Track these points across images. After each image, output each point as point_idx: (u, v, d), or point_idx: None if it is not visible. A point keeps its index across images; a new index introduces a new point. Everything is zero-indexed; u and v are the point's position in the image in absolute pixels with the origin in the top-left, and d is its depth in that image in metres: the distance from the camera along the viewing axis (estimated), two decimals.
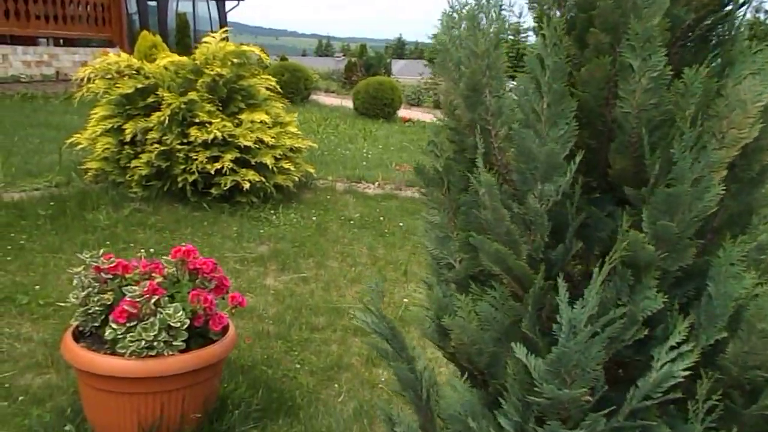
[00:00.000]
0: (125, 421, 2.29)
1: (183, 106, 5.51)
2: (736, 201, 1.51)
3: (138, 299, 2.23)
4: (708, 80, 1.39)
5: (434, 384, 1.95)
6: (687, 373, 1.35)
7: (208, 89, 5.72)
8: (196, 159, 5.46)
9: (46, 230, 4.71)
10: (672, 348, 1.38)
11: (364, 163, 8.27)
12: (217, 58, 5.86)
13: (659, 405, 1.41)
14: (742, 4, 1.51)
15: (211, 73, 5.69)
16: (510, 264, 1.54)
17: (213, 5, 24.23)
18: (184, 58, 6.05)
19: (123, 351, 2.21)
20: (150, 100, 5.64)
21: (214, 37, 6.08)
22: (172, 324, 2.22)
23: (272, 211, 5.66)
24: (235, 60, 5.88)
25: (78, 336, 2.42)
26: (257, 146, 5.68)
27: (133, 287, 2.29)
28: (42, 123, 8.63)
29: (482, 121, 1.71)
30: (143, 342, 2.19)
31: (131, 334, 2.21)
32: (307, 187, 6.55)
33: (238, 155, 5.58)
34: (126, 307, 2.22)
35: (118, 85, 5.67)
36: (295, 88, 13.91)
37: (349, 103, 15.18)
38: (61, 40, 13.83)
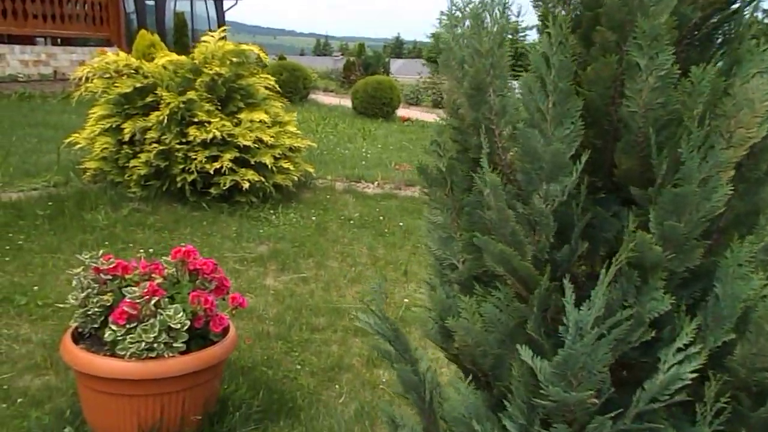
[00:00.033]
0: (125, 424, 2.27)
1: (182, 105, 5.49)
2: (743, 201, 1.49)
3: (138, 300, 2.21)
4: (715, 79, 1.38)
5: (437, 385, 1.93)
6: (694, 375, 1.34)
7: (207, 88, 5.70)
8: (195, 159, 5.44)
9: (44, 230, 4.69)
10: (679, 350, 1.37)
11: (364, 162, 8.25)
12: (215, 57, 5.84)
13: (666, 407, 1.39)
14: (750, 2, 1.50)
15: (210, 72, 5.66)
16: (515, 265, 1.52)
17: (211, 4, 24.19)
18: (183, 58, 6.03)
19: (123, 353, 2.19)
20: (149, 99, 5.62)
21: (212, 36, 6.06)
22: (173, 325, 2.20)
23: (272, 211, 5.64)
24: (234, 59, 5.86)
25: (77, 337, 2.40)
26: (256, 146, 5.66)
27: (133, 288, 2.27)
28: (40, 122, 8.60)
29: (486, 121, 1.69)
30: (143, 343, 2.17)
31: (131, 335, 2.19)
32: (307, 186, 6.53)
33: (238, 155, 5.56)
34: (126, 309, 2.20)
35: (116, 85, 5.64)
36: (293, 87, 13.89)
37: (347, 103, 15.15)
38: (59, 40, 13.79)
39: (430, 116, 15.52)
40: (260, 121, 5.76)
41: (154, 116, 5.50)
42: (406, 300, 4.01)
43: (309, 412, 2.74)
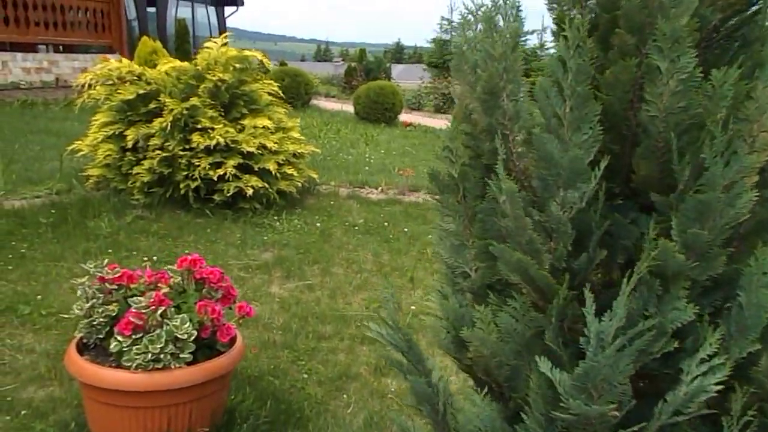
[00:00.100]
0: None
1: (185, 111, 5.46)
2: (764, 207, 1.45)
3: (144, 311, 2.18)
4: (738, 82, 1.35)
5: (449, 395, 1.89)
6: (719, 387, 1.30)
7: (210, 95, 5.67)
8: (199, 165, 5.41)
9: (47, 238, 4.66)
10: (702, 361, 1.33)
11: (367, 168, 8.22)
12: (218, 63, 5.82)
13: (689, 420, 1.35)
14: None
15: (213, 78, 5.64)
16: (532, 274, 1.48)
17: (212, 11, 24.25)
18: (186, 64, 6.01)
19: (129, 364, 2.16)
20: (152, 106, 5.60)
21: (215, 42, 6.04)
22: (179, 336, 2.16)
23: (276, 218, 5.60)
24: (237, 65, 5.84)
25: (82, 348, 2.36)
26: (260, 152, 5.63)
27: (139, 298, 2.24)
28: (42, 130, 8.58)
29: (500, 126, 1.66)
30: (150, 354, 2.13)
31: (137, 346, 2.15)
32: (310, 192, 6.50)
33: (241, 161, 5.53)
34: (132, 319, 2.16)
35: (119, 91, 5.62)
36: (295, 93, 13.88)
37: (349, 108, 15.14)
38: (61, 47, 13.81)
39: (433, 121, 15.51)
40: (264, 127, 5.74)
41: (157, 123, 5.48)
42: (413, 307, 3.97)
43: (317, 422, 2.69)
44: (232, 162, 5.45)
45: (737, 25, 1.49)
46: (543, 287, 1.50)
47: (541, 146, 1.48)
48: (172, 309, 2.25)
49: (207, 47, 5.98)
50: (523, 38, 18.91)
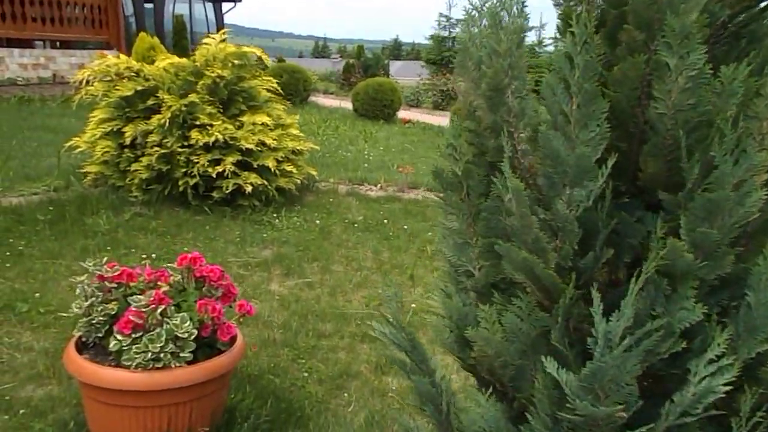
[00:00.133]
0: None
1: (183, 108, 5.43)
2: None
3: (144, 309, 2.16)
4: (747, 79, 1.33)
5: (452, 395, 1.88)
6: (728, 388, 1.28)
7: (208, 91, 5.64)
8: (198, 162, 5.38)
9: (45, 236, 4.63)
10: (711, 361, 1.31)
11: (366, 164, 8.19)
12: (217, 59, 5.79)
13: (697, 421, 1.34)
14: None
15: (212, 74, 5.61)
16: (538, 273, 1.47)
17: (210, 7, 24.17)
18: (184, 60, 5.98)
19: (128, 363, 2.13)
20: (150, 102, 5.57)
21: (214, 38, 6.00)
22: (180, 335, 2.14)
23: (275, 215, 5.58)
24: (236, 61, 5.81)
25: (81, 347, 2.34)
26: (259, 149, 5.60)
27: (139, 297, 2.21)
28: (39, 126, 8.54)
29: (504, 123, 1.64)
30: (149, 354, 2.11)
31: (137, 345, 2.13)
32: (309, 189, 6.48)
33: (240, 158, 5.51)
34: (131, 318, 2.14)
35: (117, 88, 5.59)
36: (294, 89, 13.84)
37: (348, 105, 15.11)
38: (58, 43, 13.74)
39: (431, 118, 15.49)
40: (263, 124, 5.71)
41: (155, 119, 5.45)
42: (413, 305, 3.95)
43: (318, 421, 2.68)
44: (231, 159, 5.43)
45: (746, 21, 1.47)
46: (549, 286, 1.48)
47: (547, 143, 1.46)
48: (172, 307, 2.23)
49: (205, 43, 5.95)
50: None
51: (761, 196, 1.30)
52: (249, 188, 5.43)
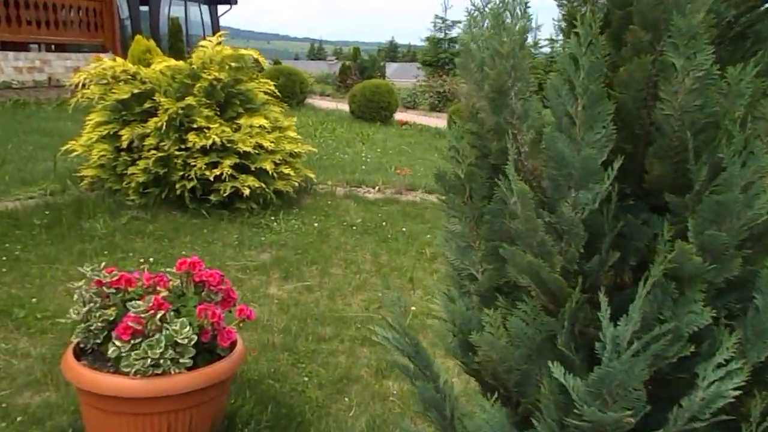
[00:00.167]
0: None
1: (180, 111, 5.40)
2: None
3: (143, 315, 2.13)
4: (754, 80, 1.31)
5: (455, 399, 1.86)
6: (737, 392, 1.27)
7: (205, 94, 5.61)
8: (195, 165, 5.35)
9: (41, 240, 4.60)
10: (719, 365, 1.30)
11: (363, 167, 8.18)
12: (214, 62, 5.76)
13: (706, 426, 1.32)
14: None
15: (209, 77, 5.59)
16: (544, 276, 1.45)
17: (205, 9, 24.14)
18: (181, 63, 5.95)
19: (128, 369, 2.11)
20: (147, 105, 5.54)
21: (210, 41, 5.98)
22: (179, 341, 2.12)
23: (273, 218, 5.55)
24: (232, 64, 5.78)
25: (79, 353, 2.31)
26: (256, 151, 5.58)
27: (138, 302, 2.19)
28: (35, 130, 8.50)
29: (508, 125, 1.62)
30: (149, 360, 2.09)
31: (136, 351, 2.11)
32: (307, 192, 6.45)
33: (238, 161, 5.48)
34: (130, 324, 2.11)
35: (113, 91, 5.56)
36: (290, 91, 13.81)
37: (344, 107, 15.09)
38: (53, 46, 13.69)
39: (428, 120, 15.48)
40: (260, 127, 5.68)
41: (152, 122, 5.42)
42: (413, 308, 3.93)
43: (318, 426, 2.66)
44: (228, 162, 5.40)
45: (751, 21, 1.46)
46: (555, 290, 1.46)
47: (552, 146, 1.44)
48: (172, 313, 2.20)
49: (202, 46, 5.92)
50: None
51: None
52: (247, 191, 5.41)
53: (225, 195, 5.40)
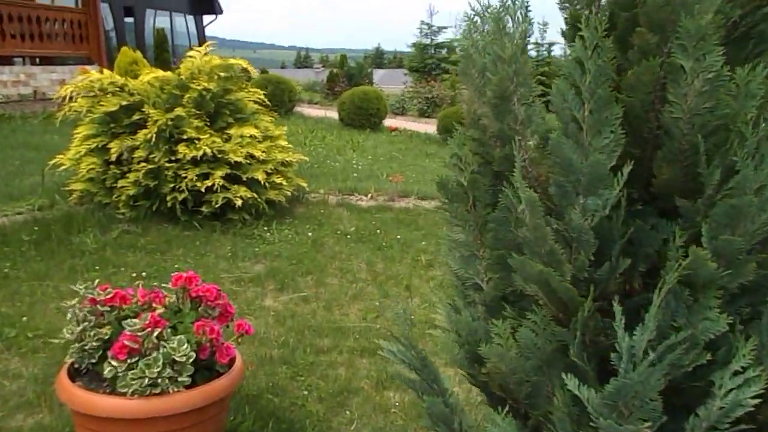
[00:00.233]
0: None
1: (170, 122, 5.34)
2: None
3: (139, 333, 2.07)
4: (765, 81, 1.29)
5: (461, 411, 1.82)
6: (756, 401, 1.24)
7: (195, 104, 5.56)
8: (186, 177, 5.29)
9: (30, 256, 4.51)
10: (736, 373, 1.27)
11: (355, 174, 8.14)
12: (203, 72, 5.71)
13: None
14: None
15: (198, 87, 5.53)
16: (554, 286, 1.41)
17: (191, 20, 24.07)
18: (169, 74, 5.89)
19: (124, 390, 2.05)
20: (135, 117, 5.47)
21: (198, 51, 5.93)
22: (177, 358, 2.06)
23: (266, 228, 5.50)
24: (221, 74, 5.73)
25: (74, 374, 2.25)
26: (248, 161, 5.52)
27: (133, 320, 2.13)
28: (21, 144, 8.39)
29: (511, 131, 1.59)
30: (146, 379, 2.03)
31: (133, 371, 2.05)
32: (300, 201, 6.40)
33: (229, 171, 5.42)
34: (126, 342, 2.06)
35: (101, 103, 5.49)
36: (279, 100, 13.74)
37: (333, 114, 15.06)
38: (38, 59, 13.56)
39: (417, 125, 15.49)
40: (251, 136, 5.63)
41: (141, 134, 5.35)
42: (412, 316, 3.88)
43: None
44: (219, 173, 5.34)
45: (755, 21, 1.44)
46: (565, 300, 1.43)
47: (558, 151, 1.41)
48: (169, 330, 2.15)
49: (190, 56, 5.87)
50: None
51: None
52: (239, 202, 5.35)
53: (217, 206, 5.34)
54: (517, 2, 1.58)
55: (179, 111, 5.39)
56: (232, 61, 5.94)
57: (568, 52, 1.49)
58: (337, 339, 3.54)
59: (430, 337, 3.45)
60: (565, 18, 1.56)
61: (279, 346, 3.42)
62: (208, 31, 24.47)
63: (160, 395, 2.04)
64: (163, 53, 15.48)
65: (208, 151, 5.30)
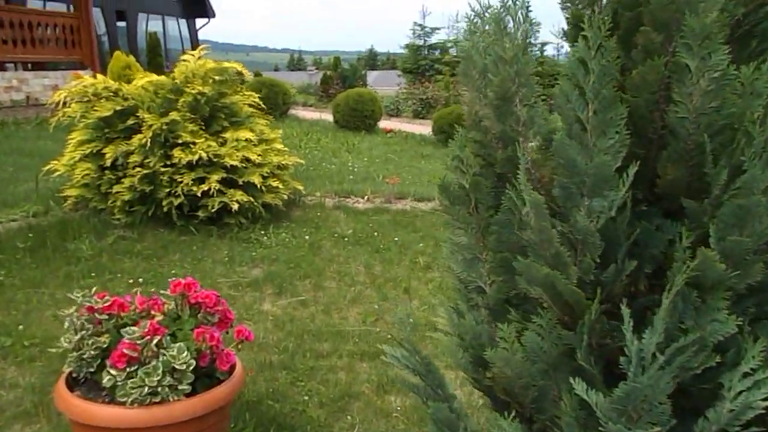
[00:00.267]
0: None
1: (165, 126, 5.31)
2: None
3: (138, 341, 2.05)
4: None
5: (465, 416, 1.80)
6: (767, 403, 1.22)
7: (189, 108, 5.52)
8: (181, 181, 5.26)
9: (26, 264, 4.47)
10: (746, 375, 1.25)
11: (351, 176, 8.11)
12: (197, 76, 5.68)
13: None
14: None
15: (193, 91, 5.50)
16: (560, 289, 1.40)
17: (183, 23, 24.01)
18: (163, 78, 5.86)
19: (124, 399, 2.02)
20: (130, 122, 5.43)
21: (192, 54, 5.90)
22: (177, 366, 2.03)
23: (262, 232, 5.47)
24: (216, 77, 5.70)
25: (72, 383, 2.22)
26: (244, 165, 5.49)
27: (132, 328, 2.10)
28: (15, 150, 8.33)
29: (513, 133, 1.58)
30: (146, 388, 2.00)
31: (132, 379, 2.02)
32: (296, 204, 6.37)
33: (225, 175, 5.39)
34: (125, 351, 2.03)
35: (95, 108, 5.45)
36: (273, 103, 13.71)
37: (327, 116, 15.03)
38: (30, 64, 13.49)
39: (412, 127, 15.47)
40: (246, 140, 5.60)
41: (136, 139, 5.32)
42: (410, 319, 3.86)
43: None
44: (215, 177, 5.31)
45: (758, 20, 1.42)
46: (571, 302, 1.41)
47: (562, 153, 1.40)
48: (168, 338, 2.12)
49: (184, 60, 5.84)
50: None
51: None
52: (235, 206, 5.32)
53: (213, 210, 5.31)
54: (517, 2, 1.56)
55: (174, 115, 5.36)
56: (226, 64, 5.91)
57: (569, 51, 1.48)
58: (336, 343, 3.52)
59: (430, 339, 3.43)
60: (567, 18, 1.54)
61: (278, 351, 3.39)
62: (201, 35, 24.42)
63: (160, 404, 2.02)
64: (156, 57, 15.42)
65: (204, 155, 5.27)
